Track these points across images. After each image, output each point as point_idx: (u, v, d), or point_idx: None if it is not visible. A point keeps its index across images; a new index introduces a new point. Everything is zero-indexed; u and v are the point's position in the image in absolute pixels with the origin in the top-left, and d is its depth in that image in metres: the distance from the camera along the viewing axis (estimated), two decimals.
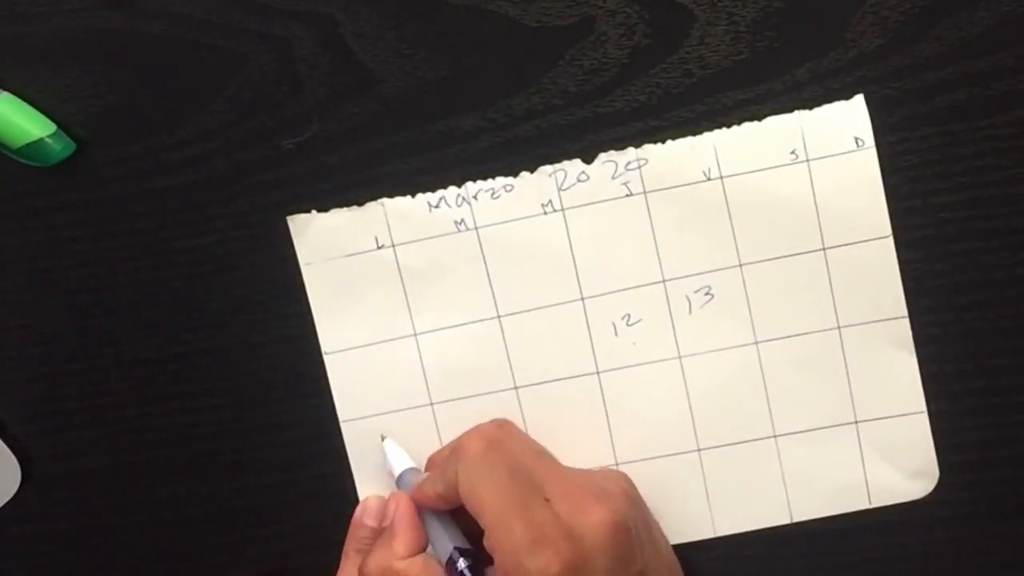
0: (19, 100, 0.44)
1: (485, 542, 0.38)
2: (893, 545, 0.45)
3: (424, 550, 0.42)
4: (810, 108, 0.42)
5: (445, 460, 0.43)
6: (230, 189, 0.45)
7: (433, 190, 0.44)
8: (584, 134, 0.44)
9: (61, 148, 0.44)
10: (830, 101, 0.42)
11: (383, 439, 0.45)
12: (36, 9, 0.44)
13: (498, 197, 0.44)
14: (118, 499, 0.48)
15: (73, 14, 0.44)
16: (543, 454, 0.43)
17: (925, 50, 0.42)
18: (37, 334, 0.47)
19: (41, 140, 0.44)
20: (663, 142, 0.43)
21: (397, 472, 0.45)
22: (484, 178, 0.44)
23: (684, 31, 0.42)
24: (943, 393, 0.43)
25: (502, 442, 0.42)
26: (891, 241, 0.43)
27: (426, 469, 0.45)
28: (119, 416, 0.47)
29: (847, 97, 0.42)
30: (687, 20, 0.42)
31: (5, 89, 0.45)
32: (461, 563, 0.40)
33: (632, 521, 0.39)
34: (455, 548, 0.41)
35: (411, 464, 0.45)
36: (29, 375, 0.47)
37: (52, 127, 0.44)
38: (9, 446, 0.47)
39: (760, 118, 0.43)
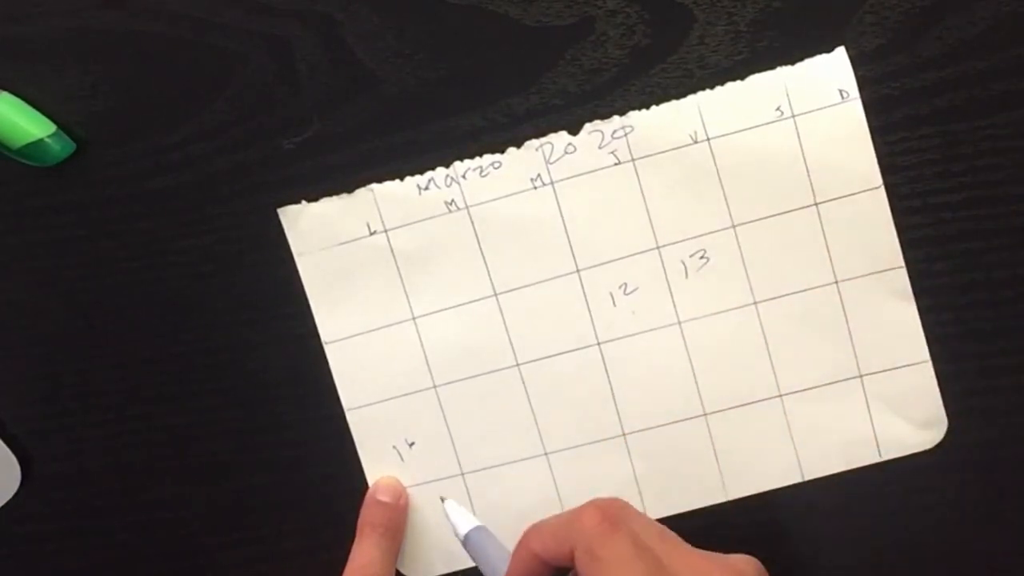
0: (19, 100, 0.44)
1: None
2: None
3: None
4: (792, 64, 0.42)
5: (556, 529, 0.40)
6: (230, 189, 0.45)
7: (422, 172, 0.44)
8: None
9: (61, 148, 0.44)
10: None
11: (443, 500, 0.45)
12: (36, 9, 0.44)
13: (486, 175, 0.44)
14: (118, 499, 0.48)
15: (73, 14, 0.44)
16: (665, 533, 0.40)
17: (925, 50, 0.42)
18: (37, 334, 0.47)
19: (41, 140, 0.44)
20: (647, 108, 0.43)
21: (463, 532, 0.44)
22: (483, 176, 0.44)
23: (684, 31, 0.42)
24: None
25: (623, 519, 0.39)
26: (883, 192, 0.42)
27: (525, 538, 0.41)
28: (119, 416, 0.47)
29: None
30: (687, 20, 0.42)
31: (5, 89, 0.45)
32: None
33: None
34: None
35: (476, 523, 0.44)
36: (29, 375, 0.47)
37: (52, 127, 0.44)
38: (9, 446, 0.47)
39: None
